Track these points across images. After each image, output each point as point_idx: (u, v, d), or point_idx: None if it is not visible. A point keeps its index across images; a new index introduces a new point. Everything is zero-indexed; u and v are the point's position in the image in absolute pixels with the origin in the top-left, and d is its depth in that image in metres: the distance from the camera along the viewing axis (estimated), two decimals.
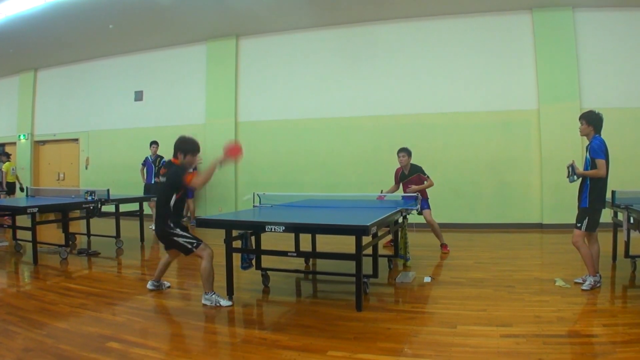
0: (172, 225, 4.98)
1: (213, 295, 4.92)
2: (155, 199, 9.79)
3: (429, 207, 7.85)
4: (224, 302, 4.89)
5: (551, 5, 10.32)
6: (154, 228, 10.79)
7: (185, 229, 5.07)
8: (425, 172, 7.97)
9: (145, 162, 11.44)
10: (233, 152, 5.01)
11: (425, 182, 7.86)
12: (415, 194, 7.14)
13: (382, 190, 8.03)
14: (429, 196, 8.03)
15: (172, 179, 5.09)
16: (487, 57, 10.85)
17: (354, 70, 11.72)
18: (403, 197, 7.57)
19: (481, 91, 10.84)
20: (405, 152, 7.90)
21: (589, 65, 10.26)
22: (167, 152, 12.12)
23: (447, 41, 11.09)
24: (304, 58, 12.18)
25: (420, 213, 7.17)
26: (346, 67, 11.80)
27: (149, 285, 5.59)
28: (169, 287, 5.68)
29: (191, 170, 5.16)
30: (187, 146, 5.28)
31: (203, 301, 4.94)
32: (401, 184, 8.06)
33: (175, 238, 4.96)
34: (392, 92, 11.38)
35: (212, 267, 4.93)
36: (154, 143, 11.45)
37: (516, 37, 10.72)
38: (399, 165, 8.05)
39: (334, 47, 11.91)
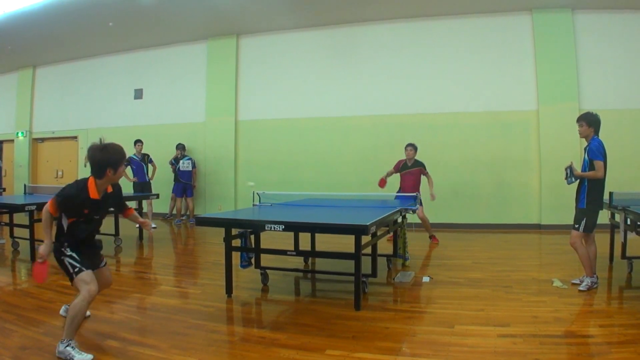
0: (63, 241, 3.87)
1: (68, 347, 3.55)
2: (154, 196, 9.94)
3: (421, 204, 8.22)
4: (81, 357, 3.51)
5: (551, 7, 10.34)
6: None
7: (79, 251, 3.87)
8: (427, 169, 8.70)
9: (129, 162, 11.16)
10: (37, 276, 3.87)
11: (428, 178, 8.65)
12: (415, 194, 7.39)
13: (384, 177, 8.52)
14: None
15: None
16: (487, 57, 10.86)
17: (354, 70, 11.73)
18: (397, 196, 7.97)
19: (481, 91, 10.86)
20: (412, 146, 8.63)
21: (588, 66, 10.28)
22: (166, 150, 12.20)
23: (447, 41, 11.10)
24: (305, 57, 12.19)
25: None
26: (346, 67, 11.81)
27: (62, 312, 4.53)
28: (89, 316, 4.47)
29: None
30: (111, 158, 3.87)
31: (57, 352, 3.58)
32: (400, 174, 8.69)
33: (60, 256, 3.82)
34: (392, 92, 11.40)
35: (86, 310, 3.75)
36: (139, 141, 11.44)
37: (516, 38, 10.74)
38: (402, 159, 8.70)
39: (334, 46, 11.91)
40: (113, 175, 3.88)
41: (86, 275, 3.75)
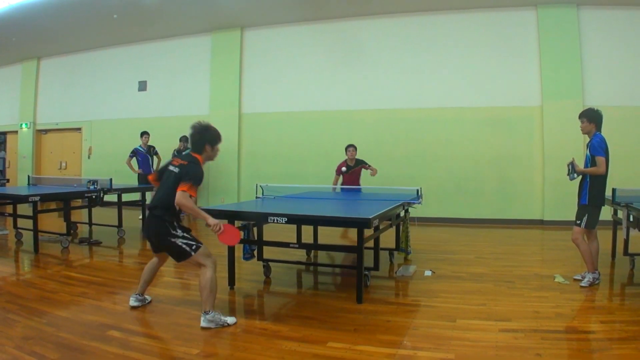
0: (173, 222, 4.13)
1: (216, 315, 4.04)
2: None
3: None
4: (231, 320, 4.09)
5: (556, 3, 10.29)
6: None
7: (186, 229, 4.20)
8: (367, 162, 9.00)
9: (135, 153, 11.32)
10: (228, 238, 4.18)
11: (370, 170, 8.86)
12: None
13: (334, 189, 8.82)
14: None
15: (186, 175, 4.05)
16: (491, 53, 10.83)
17: (358, 64, 11.70)
18: (342, 188, 8.53)
19: (485, 87, 10.83)
20: (354, 147, 8.97)
21: (592, 62, 10.24)
22: (170, 142, 12.19)
23: (452, 36, 11.07)
24: (309, 51, 12.16)
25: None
26: (350, 61, 11.78)
27: (132, 302, 4.56)
28: (150, 302, 4.71)
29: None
30: (210, 136, 4.31)
31: (203, 323, 4.00)
32: (342, 176, 8.94)
33: (172, 238, 4.07)
34: (396, 86, 11.38)
35: (216, 279, 4.11)
36: (145, 133, 11.45)
37: (520, 34, 10.70)
38: (342, 161, 9.00)
39: (338, 40, 11.88)
40: (211, 151, 4.32)
41: (204, 248, 4.12)
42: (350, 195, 7.70)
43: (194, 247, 4.08)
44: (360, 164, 8.97)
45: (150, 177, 4.59)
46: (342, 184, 8.82)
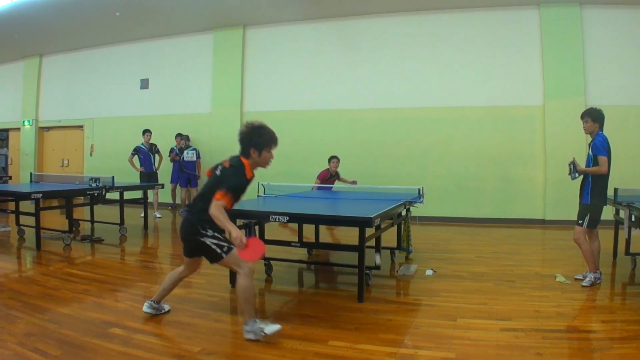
0: (204, 223, 3.76)
1: (256, 324, 3.72)
2: (160, 186, 9.98)
3: None
4: (270, 328, 3.71)
5: (558, 1, 10.27)
6: (159, 216, 10.92)
7: (219, 230, 3.77)
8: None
9: (137, 151, 11.33)
10: (249, 254, 3.67)
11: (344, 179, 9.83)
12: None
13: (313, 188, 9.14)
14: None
15: (223, 183, 3.73)
16: (494, 52, 10.81)
17: (360, 63, 11.70)
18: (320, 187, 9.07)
19: (487, 86, 10.82)
20: (338, 159, 9.78)
21: (594, 62, 10.22)
22: (171, 140, 12.20)
23: (454, 35, 11.05)
24: (311, 49, 12.16)
25: None
26: (352, 60, 11.78)
27: (146, 308, 4.28)
28: (168, 311, 4.39)
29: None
30: (257, 139, 3.92)
31: (244, 335, 3.73)
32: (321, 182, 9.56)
33: (200, 237, 3.77)
34: (398, 85, 11.37)
35: (252, 286, 3.77)
36: (147, 131, 11.46)
37: (523, 33, 10.68)
38: (325, 169, 9.76)
39: (339, 39, 11.87)
40: (257, 157, 3.92)
41: (236, 251, 3.70)
42: (351, 195, 7.68)
43: (225, 249, 3.75)
44: (337, 174, 9.80)
45: (206, 172, 4.12)
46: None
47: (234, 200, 3.76)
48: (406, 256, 6.82)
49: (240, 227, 5.36)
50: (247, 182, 3.90)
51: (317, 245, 7.01)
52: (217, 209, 3.59)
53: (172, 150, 12.05)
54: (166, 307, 4.39)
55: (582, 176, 5.50)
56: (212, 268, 6.25)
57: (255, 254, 3.67)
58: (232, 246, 3.71)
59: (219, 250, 3.77)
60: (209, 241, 3.77)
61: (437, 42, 11.18)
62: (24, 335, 3.75)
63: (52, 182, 9.87)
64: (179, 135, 12.09)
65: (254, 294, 3.85)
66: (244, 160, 3.89)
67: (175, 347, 3.61)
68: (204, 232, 3.77)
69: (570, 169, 5.48)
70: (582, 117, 5.56)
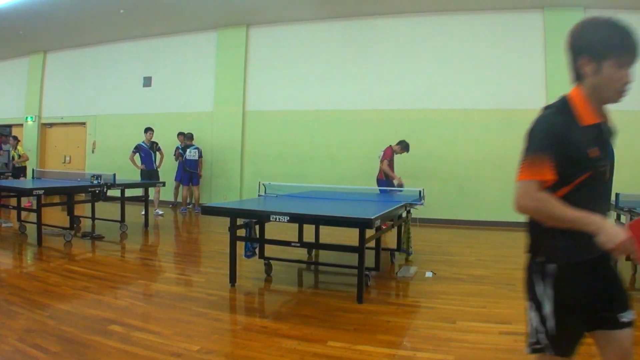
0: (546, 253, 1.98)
1: None
2: (161, 184, 10.00)
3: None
4: None
5: (563, 5, 10.25)
6: (161, 213, 10.93)
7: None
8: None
9: (138, 149, 11.31)
10: None
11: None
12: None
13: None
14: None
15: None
16: (497, 54, 10.80)
17: (363, 64, 11.70)
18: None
19: (490, 88, 10.80)
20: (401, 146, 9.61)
21: None
22: (174, 138, 12.20)
23: (458, 37, 11.05)
24: (314, 49, 12.17)
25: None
26: (355, 60, 11.78)
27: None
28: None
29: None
30: (600, 38, 2.08)
31: None
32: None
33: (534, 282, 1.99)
34: (401, 87, 11.37)
35: None
36: (149, 129, 11.46)
37: (527, 36, 10.66)
38: (397, 150, 9.67)
39: (343, 39, 11.89)
40: (595, 77, 2.07)
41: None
42: (352, 196, 7.68)
43: (533, 342, 2.05)
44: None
45: None
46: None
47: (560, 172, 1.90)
48: (406, 258, 6.81)
49: (240, 227, 5.38)
50: (579, 132, 1.97)
51: (317, 246, 7.02)
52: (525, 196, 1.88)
53: (177, 149, 12.06)
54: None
55: None
56: (211, 267, 6.29)
57: None
58: (551, 346, 2.07)
59: (529, 329, 2.09)
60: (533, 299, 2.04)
61: (441, 44, 11.17)
62: (24, 331, 3.75)
63: (54, 178, 9.89)
64: (181, 134, 12.10)
65: None
66: (571, 92, 2.18)
67: (174, 345, 3.61)
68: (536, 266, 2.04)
69: None
70: None
